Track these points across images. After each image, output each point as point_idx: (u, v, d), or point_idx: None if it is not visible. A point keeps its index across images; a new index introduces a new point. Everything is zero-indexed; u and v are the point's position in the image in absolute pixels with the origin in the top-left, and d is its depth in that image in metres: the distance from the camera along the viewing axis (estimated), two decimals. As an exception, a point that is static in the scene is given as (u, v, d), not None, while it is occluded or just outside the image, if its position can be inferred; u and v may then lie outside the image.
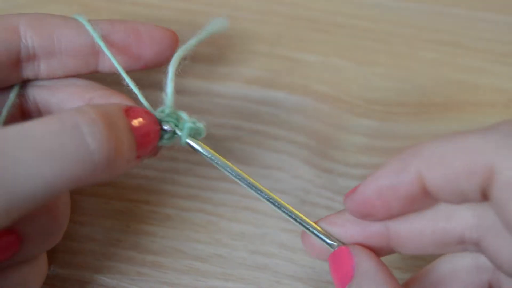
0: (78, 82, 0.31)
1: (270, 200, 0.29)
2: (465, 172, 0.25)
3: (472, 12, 0.43)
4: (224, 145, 0.37)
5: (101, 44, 0.30)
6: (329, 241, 0.28)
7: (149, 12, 0.41)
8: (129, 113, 0.27)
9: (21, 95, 0.31)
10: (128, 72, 0.30)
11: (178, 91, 0.39)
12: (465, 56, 0.41)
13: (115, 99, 0.29)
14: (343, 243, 0.29)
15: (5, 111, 0.30)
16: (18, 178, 0.22)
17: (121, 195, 0.35)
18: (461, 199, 0.26)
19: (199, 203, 0.35)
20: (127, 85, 0.30)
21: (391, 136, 0.38)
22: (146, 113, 0.27)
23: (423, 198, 0.26)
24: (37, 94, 0.31)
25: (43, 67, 0.31)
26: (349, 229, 0.29)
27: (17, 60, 0.30)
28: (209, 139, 0.37)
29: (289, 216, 0.29)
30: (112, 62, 0.30)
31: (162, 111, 0.29)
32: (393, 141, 0.38)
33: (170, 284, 0.33)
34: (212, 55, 0.40)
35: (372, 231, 0.28)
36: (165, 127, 0.29)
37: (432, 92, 0.40)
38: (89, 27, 0.30)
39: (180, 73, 0.30)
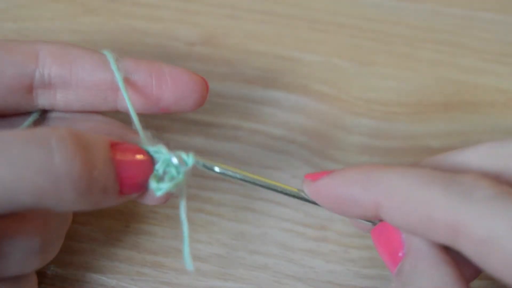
0: (99, 118, 0.30)
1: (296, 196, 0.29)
2: (426, 225, 0.24)
3: (472, 12, 0.43)
4: (224, 145, 0.37)
5: (119, 80, 0.29)
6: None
7: (149, 12, 0.41)
8: (116, 147, 0.26)
9: (39, 124, 0.30)
10: (149, 115, 0.30)
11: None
12: (465, 56, 0.41)
13: (131, 140, 0.29)
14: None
15: None
16: None
17: (121, 195, 0.35)
18: (419, 236, 0.26)
19: (199, 203, 0.35)
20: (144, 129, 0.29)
21: (391, 136, 0.38)
22: (136, 150, 0.27)
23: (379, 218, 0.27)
24: (57, 126, 0.30)
25: (59, 98, 0.30)
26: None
27: (30, 86, 0.29)
28: (210, 139, 0.37)
29: None
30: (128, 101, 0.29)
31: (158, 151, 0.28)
32: (393, 141, 0.38)
33: (170, 284, 0.33)
34: (212, 56, 0.40)
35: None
36: (173, 160, 0.28)
37: (432, 92, 0.40)
38: (112, 62, 0.29)
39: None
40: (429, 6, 0.43)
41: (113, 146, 0.26)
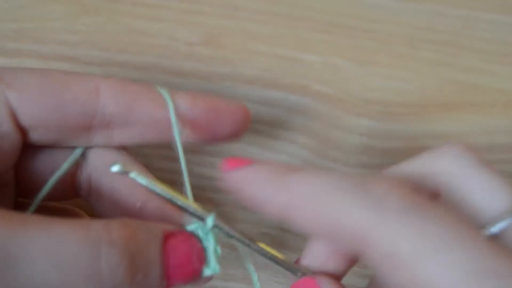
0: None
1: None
2: (334, 231, 0.24)
3: (472, 12, 0.43)
4: (224, 145, 0.37)
5: (174, 125, 0.29)
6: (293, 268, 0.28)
7: (149, 12, 0.41)
8: (169, 239, 0.26)
9: (80, 163, 0.30)
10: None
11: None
12: (465, 56, 0.41)
13: (171, 213, 0.29)
14: (309, 272, 0.28)
15: (58, 174, 0.29)
16: (19, 277, 0.22)
17: (121, 195, 0.35)
18: (328, 241, 0.26)
19: (199, 203, 0.35)
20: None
21: (391, 136, 0.38)
22: (188, 243, 0.27)
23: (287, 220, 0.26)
24: (94, 173, 0.30)
25: (115, 135, 0.29)
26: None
27: (90, 125, 0.28)
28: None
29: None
30: (182, 136, 0.29)
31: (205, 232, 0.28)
32: (393, 141, 0.38)
33: (171, 284, 0.33)
34: (212, 56, 0.40)
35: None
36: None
37: (432, 92, 0.40)
38: (169, 103, 0.29)
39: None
40: (429, 6, 0.43)
41: (167, 237, 0.26)
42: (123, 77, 0.30)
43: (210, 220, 0.27)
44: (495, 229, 0.24)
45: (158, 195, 0.27)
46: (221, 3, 0.42)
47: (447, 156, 0.26)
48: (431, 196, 0.25)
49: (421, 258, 0.22)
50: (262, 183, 0.26)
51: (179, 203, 0.27)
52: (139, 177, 0.26)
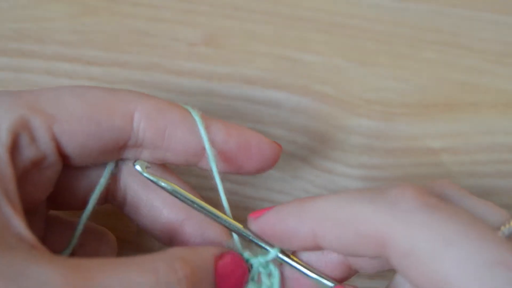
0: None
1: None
2: (357, 241, 0.25)
3: (472, 12, 0.43)
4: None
5: (210, 156, 0.29)
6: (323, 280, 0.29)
7: (150, 12, 0.41)
8: (219, 262, 0.27)
9: (114, 175, 0.30)
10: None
11: (178, 91, 0.39)
12: (465, 56, 0.41)
13: (211, 229, 0.30)
14: (337, 282, 0.28)
15: (97, 192, 0.30)
16: None
17: (122, 195, 0.35)
18: (356, 256, 0.27)
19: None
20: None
21: (392, 136, 0.38)
22: (236, 262, 0.28)
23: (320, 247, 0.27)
24: (129, 186, 0.30)
25: (144, 155, 0.30)
26: (310, 257, 0.29)
27: (123, 146, 0.29)
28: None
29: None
30: (213, 168, 0.30)
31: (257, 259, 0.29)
32: (394, 141, 0.38)
33: (171, 284, 0.33)
34: (213, 56, 0.40)
35: (331, 259, 0.29)
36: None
37: (432, 92, 0.40)
38: (204, 135, 0.29)
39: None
40: (429, 6, 0.43)
41: (216, 261, 0.27)
42: (157, 98, 0.30)
43: (273, 253, 0.29)
44: (506, 232, 0.24)
45: (202, 211, 0.29)
46: (222, 3, 0.42)
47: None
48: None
49: (436, 254, 0.23)
50: (286, 218, 0.27)
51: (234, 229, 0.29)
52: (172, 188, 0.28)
